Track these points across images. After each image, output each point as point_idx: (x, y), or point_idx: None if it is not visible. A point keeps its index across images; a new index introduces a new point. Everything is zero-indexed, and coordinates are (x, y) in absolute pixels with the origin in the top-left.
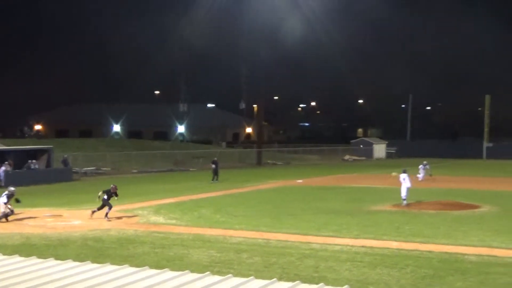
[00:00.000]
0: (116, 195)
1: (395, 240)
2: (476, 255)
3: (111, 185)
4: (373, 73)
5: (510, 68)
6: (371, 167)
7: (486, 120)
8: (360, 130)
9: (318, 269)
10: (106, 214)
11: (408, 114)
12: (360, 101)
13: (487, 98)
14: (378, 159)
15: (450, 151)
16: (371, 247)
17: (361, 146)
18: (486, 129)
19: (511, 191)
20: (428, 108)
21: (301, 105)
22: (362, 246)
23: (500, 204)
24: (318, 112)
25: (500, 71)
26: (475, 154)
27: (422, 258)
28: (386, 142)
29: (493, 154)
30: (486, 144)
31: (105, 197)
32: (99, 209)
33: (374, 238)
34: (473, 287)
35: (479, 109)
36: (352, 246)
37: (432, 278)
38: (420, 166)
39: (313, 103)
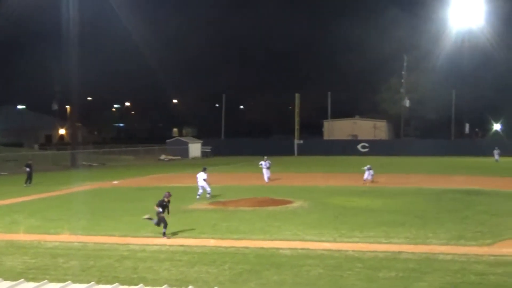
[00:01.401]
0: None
1: (213, 238)
2: (290, 249)
3: (165, 193)
4: (187, 73)
5: (317, 67)
6: (186, 166)
7: (296, 118)
8: (175, 129)
9: (137, 270)
10: (164, 233)
11: (222, 113)
12: (175, 100)
13: (297, 96)
14: (194, 158)
15: (263, 149)
16: (190, 246)
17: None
18: (296, 127)
19: (321, 186)
20: (242, 107)
21: (115, 106)
22: (181, 245)
23: (311, 199)
24: (132, 112)
25: (308, 70)
26: (287, 151)
27: (239, 254)
28: (201, 141)
29: (303, 151)
30: (297, 141)
31: (160, 209)
32: (159, 225)
33: (192, 237)
34: (288, 280)
35: (290, 107)
36: (170, 245)
37: (249, 274)
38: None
39: (127, 104)
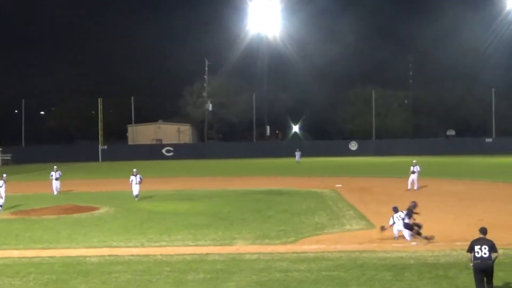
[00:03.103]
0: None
1: (16, 249)
2: (97, 256)
3: (410, 203)
4: None
5: (120, 71)
6: None
7: (100, 124)
8: None
9: None
10: (426, 238)
11: (22, 119)
12: None
13: (100, 101)
14: None
15: (66, 155)
16: None
17: None
18: (100, 132)
19: (127, 191)
20: (43, 113)
21: None
22: None
23: (117, 205)
24: None
25: (111, 74)
26: (92, 157)
27: (45, 264)
28: (1, 148)
29: (108, 156)
30: (101, 147)
31: (406, 220)
32: (418, 233)
33: None
34: (96, 287)
35: (93, 112)
36: None
37: (55, 283)
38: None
39: None
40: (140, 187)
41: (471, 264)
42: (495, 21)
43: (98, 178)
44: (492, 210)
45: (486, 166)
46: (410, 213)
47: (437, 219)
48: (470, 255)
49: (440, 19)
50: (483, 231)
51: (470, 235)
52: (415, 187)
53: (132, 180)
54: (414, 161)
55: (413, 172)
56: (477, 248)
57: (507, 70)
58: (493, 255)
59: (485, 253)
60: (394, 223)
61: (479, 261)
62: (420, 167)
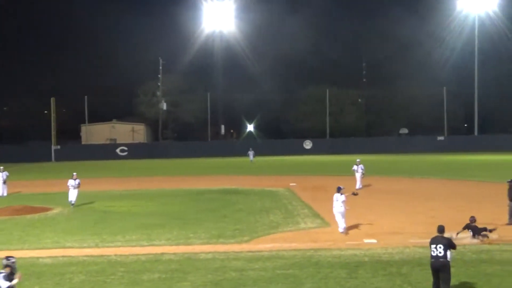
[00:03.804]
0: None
1: None
2: (51, 257)
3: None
4: None
5: (73, 70)
6: None
7: (53, 123)
8: None
9: None
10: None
11: None
12: None
13: (53, 100)
14: None
15: (18, 156)
16: None
17: None
18: (53, 132)
19: (80, 191)
20: None
21: None
22: None
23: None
24: None
25: (64, 73)
26: (45, 157)
27: None
28: None
29: (61, 156)
30: (54, 147)
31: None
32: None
33: None
34: None
35: (46, 112)
36: None
37: None
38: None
39: None
40: (78, 192)
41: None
42: (447, 21)
43: (51, 179)
44: (443, 207)
45: (438, 164)
46: (475, 229)
47: (389, 217)
48: None
49: (392, 19)
50: (440, 229)
51: (423, 232)
52: (358, 186)
53: (70, 185)
54: (358, 160)
55: (357, 171)
56: (433, 247)
57: (458, 69)
58: (450, 252)
59: (440, 252)
60: (337, 200)
61: (433, 259)
62: (363, 167)
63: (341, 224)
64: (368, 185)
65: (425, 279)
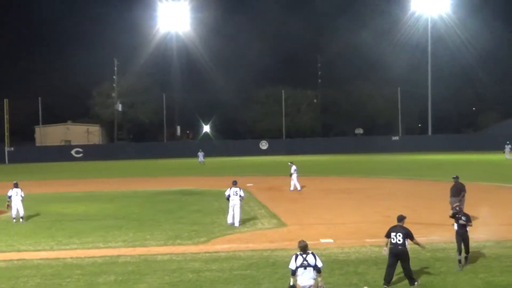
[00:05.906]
0: None
1: None
2: (5, 260)
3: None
4: None
5: (26, 71)
6: None
7: (6, 125)
8: None
9: None
10: None
11: None
12: None
13: (6, 101)
14: None
15: None
16: None
17: None
18: (6, 133)
19: (34, 193)
20: None
21: None
22: None
23: (24, 208)
24: None
25: (17, 74)
26: None
27: None
28: None
29: (15, 158)
30: (7, 149)
31: None
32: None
33: None
34: None
35: None
36: None
37: None
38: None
39: None
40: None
41: (385, 248)
42: (401, 22)
43: (4, 181)
44: (398, 206)
45: (393, 164)
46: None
47: (346, 217)
48: (386, 240)
49: (347, 20)
50: (399, 218)
51: (378, 231)
52: (296, 188)
53: (11, 196)
54: (289, 162)
55: (293, 173)
56: (393, 234)
57: (412, 69)
58: (409, 241)
59: (399, 240)
60: (229, 195)
61: (393, 246)
62: (296, 167)
63: (237, 217)
64: (330, 184)
65: (382, 278)
